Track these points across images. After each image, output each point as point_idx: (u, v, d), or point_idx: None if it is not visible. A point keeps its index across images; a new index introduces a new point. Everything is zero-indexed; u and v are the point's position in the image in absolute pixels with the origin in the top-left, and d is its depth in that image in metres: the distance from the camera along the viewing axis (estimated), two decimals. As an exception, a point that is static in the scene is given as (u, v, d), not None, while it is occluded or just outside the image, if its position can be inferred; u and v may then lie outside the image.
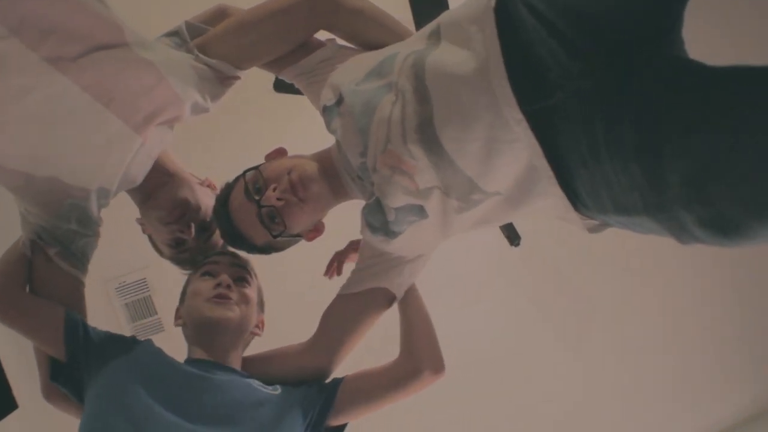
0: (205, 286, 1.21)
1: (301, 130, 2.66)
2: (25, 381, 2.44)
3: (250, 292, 1.24)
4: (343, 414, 1.16)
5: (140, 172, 1.23)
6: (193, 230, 1.33)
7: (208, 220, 1.37)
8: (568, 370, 3.02)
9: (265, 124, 2.74)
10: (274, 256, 1.29)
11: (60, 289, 1.19)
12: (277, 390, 1.13)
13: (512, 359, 2.95)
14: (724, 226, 0.74)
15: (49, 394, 1.18)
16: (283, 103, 2.20)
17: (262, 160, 1.26)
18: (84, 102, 1.03)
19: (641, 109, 0.78)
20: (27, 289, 1.19)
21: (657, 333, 3.03)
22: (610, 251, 2.95)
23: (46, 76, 0.98)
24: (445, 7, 2.01)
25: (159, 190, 1.34)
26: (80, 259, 1.22)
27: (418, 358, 1.17)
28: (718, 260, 2.97)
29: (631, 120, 0.79)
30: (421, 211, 1.06)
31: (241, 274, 1.25)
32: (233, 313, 1.18)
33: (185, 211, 1.33)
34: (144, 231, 1.45)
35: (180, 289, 1.33)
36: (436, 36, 1.02)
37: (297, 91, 1.96)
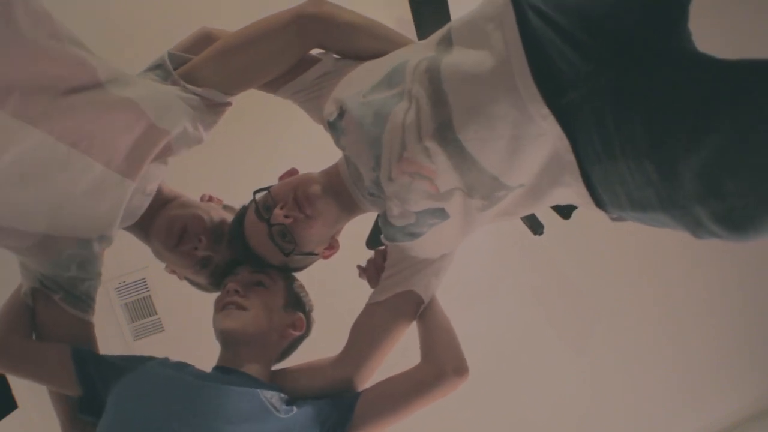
0: (219, 296, 1.19)
1: (295, 139, 2.65)
2: (25, 381, 2.44)
3: (267, 295, 1.19)
4: (365, 426, 1.10)
5: (138, 210, 1.18)
6: (205, 241, 1.22)
7: (214, 226, 1.27)
8: (570, 370, 3.03)
9: (259, 133, 2.72)
10: (304, 273, 1.28)
11: (68, 333, 1.16)
12: (292, 412, 1.07)
13: (514, 360, 2.95)
14: (738, 220, 0.74)
15: None
16: (279, 110, 2.19)
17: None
18: (60, 152, 0.97)
19: (652, 104, 0.79)
20: (32, 336, 1.17)
21: (658, 332, 3.03)
22: (611, 251, 2.95)
23: (18, 132, 0.92)
24: (445, 7, 2.00)
25: (154, 221, 1.26)
26: (86, 302, 1.18)
27: (441, 360, 1.13)
28: (720, 260, 2.97)
29: (642, 116, 0.79)
30: (442, 213, 1.05)
31: (259, 279, 1.20)
32: (237, 321, 1.13)
33: (183, 226, 1.23)
34: (180, 277, 1.35)
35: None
36: (446, 42, 1.00)
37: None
